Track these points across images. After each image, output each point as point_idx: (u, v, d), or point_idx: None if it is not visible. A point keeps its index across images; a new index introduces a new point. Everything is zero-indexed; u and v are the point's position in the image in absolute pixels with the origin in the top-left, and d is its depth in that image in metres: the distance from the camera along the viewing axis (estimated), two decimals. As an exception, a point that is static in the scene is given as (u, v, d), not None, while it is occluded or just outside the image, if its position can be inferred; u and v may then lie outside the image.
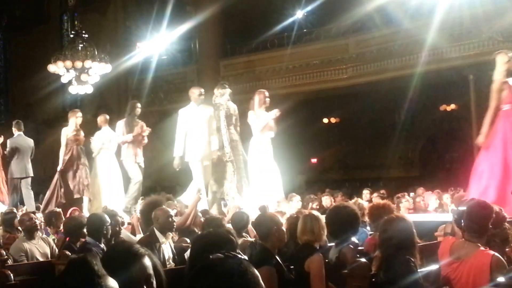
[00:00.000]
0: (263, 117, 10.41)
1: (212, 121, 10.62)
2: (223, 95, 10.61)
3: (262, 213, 6.31)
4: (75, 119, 11.87)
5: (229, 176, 10.35)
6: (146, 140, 11.82)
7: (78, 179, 11.70)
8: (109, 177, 11.90)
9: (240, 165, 10.50)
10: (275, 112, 10.45)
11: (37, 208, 11.00)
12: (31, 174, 12.08)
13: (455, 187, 12.64)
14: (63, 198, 11.44)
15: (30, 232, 6.92)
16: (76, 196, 11.60)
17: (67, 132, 11.78)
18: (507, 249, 5.00)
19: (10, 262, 5.90)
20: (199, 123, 10.64)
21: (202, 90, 11.06)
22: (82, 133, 11.97)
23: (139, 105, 11.96)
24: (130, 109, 11.82)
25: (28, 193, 11.88)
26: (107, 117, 12.42)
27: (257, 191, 10.08)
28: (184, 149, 10.62)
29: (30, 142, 12.30)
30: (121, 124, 11.70)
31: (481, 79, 16.09)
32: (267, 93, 10.66)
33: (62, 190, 11.50)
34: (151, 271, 2.44)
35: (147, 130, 11.74)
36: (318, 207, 10.36)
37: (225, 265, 1.89)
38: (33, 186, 12.25)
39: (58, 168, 11.62)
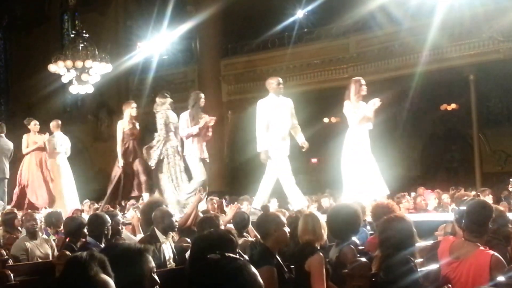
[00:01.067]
0: (361, 108, 9.76)
1: (292, 113, 10.08)
2: (163, 104, 10.89)
3: (264, 213, 6.32)
4: (130, 110, 11.08)
5: (165, 181, 10.49)
6: (210, 134, 10.74)
7: (137, 175, 11.07)
8: (65, 180, 12.44)
9: (177, 172, 10.63)
10: (375, 102, 9.78)
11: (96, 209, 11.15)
12: (7, 176, 12.38)
13: (455, 186, 12.67)
14: (122, 196, 11.16)
15: (31, 232, 6.94)
16: (135, 194, 11.11)
17: (123, 126, 11.08)
18: (508, 248, 5.01)
19: (10, 262, 5.91)
20: (282, 115, 9.93)
21: (280, 79, 10.16)
22: (137, 126, 11.28)
23: (202, 95, 10.89)
24: (194, 100, 10.67)
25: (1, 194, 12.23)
26: (59, 122, 12.70)
27: (353, 187, 9.46)
28: (267, 142, 9.88)
29: (10, 145, 12.53)
30: (185, 116, 10.49)
31: (481, 79, 16.14)
32: (363, 81, 9.96)
33: (122, 188, 11.01)
34: (153, 264, 2.51)
35: (212, 120, 10.57)
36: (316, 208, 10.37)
37: (221, 265, 1.91)
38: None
39: (119, 165, 10.95)
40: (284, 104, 9.99)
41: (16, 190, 12.24)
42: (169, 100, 11.09)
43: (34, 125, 12.27)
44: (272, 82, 10.01)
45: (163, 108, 10.87)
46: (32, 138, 12.37)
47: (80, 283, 1.94)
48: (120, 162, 10.89)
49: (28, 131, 12.42)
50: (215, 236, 3.76)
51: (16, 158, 12.71)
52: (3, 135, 12.48)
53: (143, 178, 11.01)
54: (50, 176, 12.35)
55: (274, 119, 9.89)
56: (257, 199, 9.81)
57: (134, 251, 2.51)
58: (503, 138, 19.06)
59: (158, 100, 10.99)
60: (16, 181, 12.29)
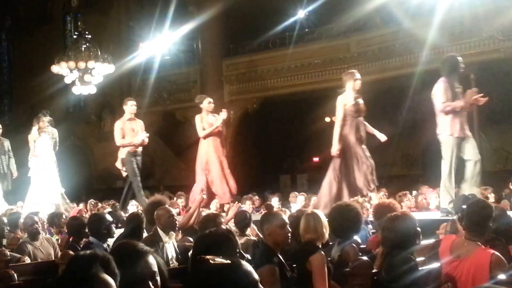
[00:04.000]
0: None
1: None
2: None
3: (268, 212, 6.35)
4: (353, 83, 9.18)
5: None
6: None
7: (363, 167, 9.35)
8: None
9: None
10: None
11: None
12: None
13: (458, 185, 12.64)
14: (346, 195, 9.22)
15: (32, 234, 6.97)
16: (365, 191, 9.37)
17: (344, 101, 9.12)
18: (510, 247, 5.03)
19: (28, 260, 5.96)
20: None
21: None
22: (361, 101, 9.31)
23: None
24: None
25: None
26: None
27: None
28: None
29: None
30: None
31: (482, 78, 16.12)
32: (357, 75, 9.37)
33: (345, 183, 9.17)
34: (155, 268, 2.50)
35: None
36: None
37: (214, 267, 1.92)
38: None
39: (334, 151, 9.22)
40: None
41: (201, 184, 10.57)
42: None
43: (208, 103, 10.83)
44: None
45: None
46: (206, 119, 10.85)
47: (80, 282, 1.95)
48: (335, 147, 9.34)
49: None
50: (215, 235, 3.79)
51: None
52: None
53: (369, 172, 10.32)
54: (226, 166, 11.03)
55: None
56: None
57: (135, 255, 2.51)
58: (504, 136, 19.05)
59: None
60: (198, 172, 10.84)
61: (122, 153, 11.03)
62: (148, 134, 11.10)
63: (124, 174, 11.20)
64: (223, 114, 10.90)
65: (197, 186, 10.70)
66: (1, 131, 12.90)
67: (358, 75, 9.26)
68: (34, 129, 12.12)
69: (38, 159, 12.02)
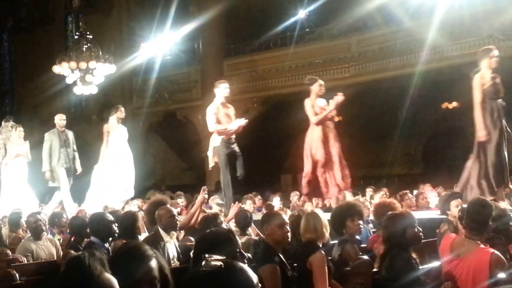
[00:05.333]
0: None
1: None
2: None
3: (268, 211, 6.37)
4: (489, 60, 8.58)
5: None
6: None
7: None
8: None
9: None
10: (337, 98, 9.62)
11: None
12: None
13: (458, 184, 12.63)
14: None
15: (36, 233, 6.98)
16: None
17: (482, 80, 8.45)
18: (510, 246, 5.04)
19: (24, 260, 5.97)
20: None
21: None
22: (499, 80, 8.52)
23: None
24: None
25: None
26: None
27: None
28: None
29: None
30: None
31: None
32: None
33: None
34: (156, 273, 2.46)
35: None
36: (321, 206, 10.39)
37: (211, 270, 1.91)
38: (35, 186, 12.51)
39: (482, 136, 8.27)
40: None
41: (307, 171, 9.76)
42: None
43: (319, 86, 10.01)
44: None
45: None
46: (317, 103, 10.01)
47: (85, 283, 1.95)
48: (482, 132, 8.49)
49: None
50: (216, 235, 3.81)
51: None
52: None
53: None
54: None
55: None
56: None
57: (136, 258, 2.48)
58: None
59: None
60: (306, 160, 9.85)
61: (215, 141, 10.07)
62: (247, 120, 10.12)
63: (211, 164, 10.33)
64: (339, 98, 9.76)
65: (304, 178, 9.68)
66: (65, 122, 12.50)
67: (495, 52, 8.63)
68: (112, 119, 11.82)
69: (111, 151, 11.60)
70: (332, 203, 10.59)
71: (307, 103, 9.71)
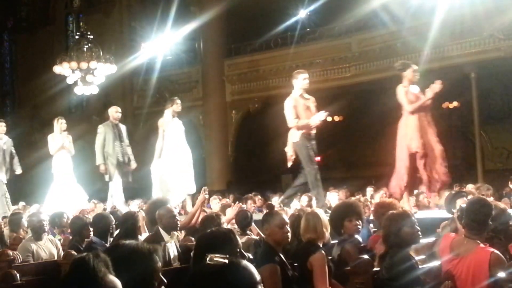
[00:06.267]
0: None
1: None
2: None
3: (268, 211, 6.37)
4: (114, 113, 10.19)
5: None
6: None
7: None
8: None
9: None
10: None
11: None
12: None
13: (459, 184, 12.67)
14: None
15: (38, 232, 6.98)
16: None
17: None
18: (509, 245, 5.04)
19: (19, 259, 5.97)
20: None
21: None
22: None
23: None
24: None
25: None
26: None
27: None
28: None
29: None
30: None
31: (482, 77, 16.16)
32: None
33: None
34: (160, 263, 2.53)
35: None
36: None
37: (215, 267, 1.93)
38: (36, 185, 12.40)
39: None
40: None
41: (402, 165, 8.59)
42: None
43: (412, 72, 8.90)
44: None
45: None
46: (411, 91, 8.91)
47: (89, 284, 1.97)
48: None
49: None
50: (217, 235, 3.81)
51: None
52: None
53: None
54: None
55: None
56: None
57: (143, 251, 2.53)
58: (504, 135, 19.09)
59: None
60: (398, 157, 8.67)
61: (294, 136, 9.36)
62: (328, 113, 9.45)
63: (290, 162, 9.60)
64: (436, 86, 8.90)
65: (397, 173, 8.60)
66: (120, 115, 11.83)
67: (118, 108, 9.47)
68: (167, 112, 11.14)
69: (169, 146, 10.88)
70: (432, 201, 10.42)
71: (400, 90, 8.79)
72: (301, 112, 9.22)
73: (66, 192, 11.64)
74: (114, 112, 11.74)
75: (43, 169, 12.74)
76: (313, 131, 9.29)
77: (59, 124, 11.94)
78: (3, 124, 12.61)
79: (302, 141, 9.19)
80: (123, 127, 11.76)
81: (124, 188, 11.55)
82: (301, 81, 9.25)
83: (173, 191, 10.61)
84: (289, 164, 9.63)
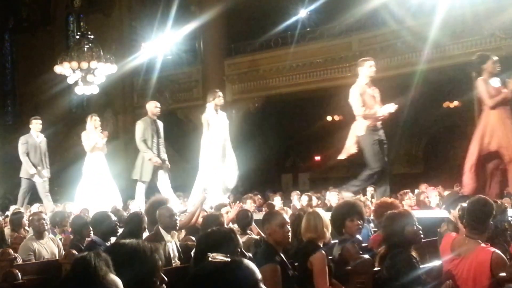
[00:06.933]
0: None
1: None
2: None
3: (269, 211, 6.38)
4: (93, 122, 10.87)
5: None
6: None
7: None
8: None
9: None
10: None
11: None
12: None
13: (459, 183, 12.65)
14: None
15: (39, 232, 6.99)
16: None
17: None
18: (510, 245, 5.04)
19: (19, 261, 5.97)
20: None
21: None
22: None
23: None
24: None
25: None
26: None
27: None
28: None
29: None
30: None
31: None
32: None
33: None
34: (160, 263, 2.55)
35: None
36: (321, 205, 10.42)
37: (216, 265, 1.93)
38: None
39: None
40: None
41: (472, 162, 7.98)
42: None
43: (492, 63, 8.36)
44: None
45: None
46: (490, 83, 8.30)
47: (91, 284, 1.97)
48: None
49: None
50: (217, 234, 3.81)
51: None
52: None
53: None
54: None
55: None
56: None
57: (145, 250, 2.54)
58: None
59: None
60: (474, 148, 8.04)
61: (359, 129, 8.84)
62: (397, 106, 8.93)
63: (344, 155, 9.09)
64: None
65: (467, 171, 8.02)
66: (159, 110, 11.19)
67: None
68: (209, 106, 10.52)
69: (214, 142, 10.41)
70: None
71: (480, 83, 8.21)
72: (368, 101, 8.77)
73: (100, 192, 11.28)
74: (154, 107, 11.12)
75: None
76: (379, 123, 8.81)
77: (93, 121, 11.64)
78: (39, 121, 12.50)
79: (369, 135, 8.72)
80: (160, 124, 11.13)
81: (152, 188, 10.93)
82: (367, 68, 8.87)
83: (214, 190, 10.05)
84: (342, 156, 9.12)
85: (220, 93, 10.63)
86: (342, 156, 9.13)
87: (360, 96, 8.74)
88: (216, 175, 10.38)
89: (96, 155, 11.65)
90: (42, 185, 12.03)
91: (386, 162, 8.90)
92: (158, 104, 11.28)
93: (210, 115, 10.42)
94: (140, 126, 10.90)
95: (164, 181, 10.82)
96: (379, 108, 8.79)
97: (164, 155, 10.96)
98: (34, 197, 12.32)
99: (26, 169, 11.97)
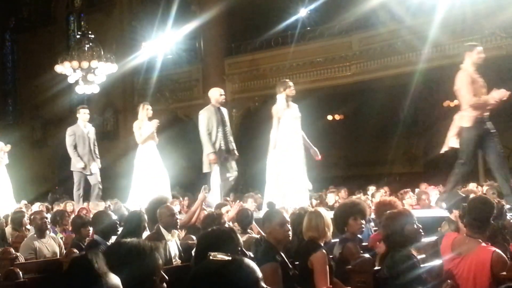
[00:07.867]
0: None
1: None
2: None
3: (270, 210, 6.38)
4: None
5: None
6: None
7: None
8: None
9: None
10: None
11: None
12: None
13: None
14: None
15: (41, 230, 7.01)
16: None
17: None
18: (511, 244, 5.04)
19: (21, 260, 5.98)
20: None
21: None
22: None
23: None
24: None
25: None
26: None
27: None
28: None
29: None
30: None
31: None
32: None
33: None
34: (161, 261, 2.56)
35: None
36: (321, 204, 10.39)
37: (217, 264, 1.94)
38: (39, 185, 12.25)
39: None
40: None
41: None
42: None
43: (477, 53, 8.08)
44: None
45: None
46: None
47: (90, 283, 1.98)
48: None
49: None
50: (218, 233, 3.82)
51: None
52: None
53: None
54: None
55: None
56: None
57: (145, 248, 2.55)
58: (505, 133, 19.00)
59: None
60: None
61: (465, 120, 8.05)
62: (509, 92, 8.05)
63: (445, 148, 8.54)
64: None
65: None
66: (224, 98, 10.52)
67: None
68: (280, 97, 9.51)
69: (285, 137, 9.47)
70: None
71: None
72: (478, 89, 8.01)
73: (154, 183, 10.47)
74: (218, 94, 10.31)
75: (43, 168, 12.68)
76: (486, 113, 8.06)
77: (145, 110, 10.89)
78: (87, 111, 11.89)
79: (475, 129, 8.00)
80: (225, 111, 10.43)
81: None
82: (475, 55, 8.06)
83: (293, 187, 9.34)
84: (444, 149, 8.58)
85: (291, 83, 9.71)
86: (443, 149, 8.60)
87: (469, 85, 7.98)
88: (298, 171, 9.47)
89: (148, 146, 10.90)
90: (94, 177, 11.36)
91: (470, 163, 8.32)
92: (223, 91, 10.50)
93: (281, 108, 9.50)
94: (203, 116, 10.12)
95: (216, 174, 10.03)
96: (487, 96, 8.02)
97: (232, 145, 10.31)
98: (89, 187, 11.55)
99: (74, 163, 11.36)
